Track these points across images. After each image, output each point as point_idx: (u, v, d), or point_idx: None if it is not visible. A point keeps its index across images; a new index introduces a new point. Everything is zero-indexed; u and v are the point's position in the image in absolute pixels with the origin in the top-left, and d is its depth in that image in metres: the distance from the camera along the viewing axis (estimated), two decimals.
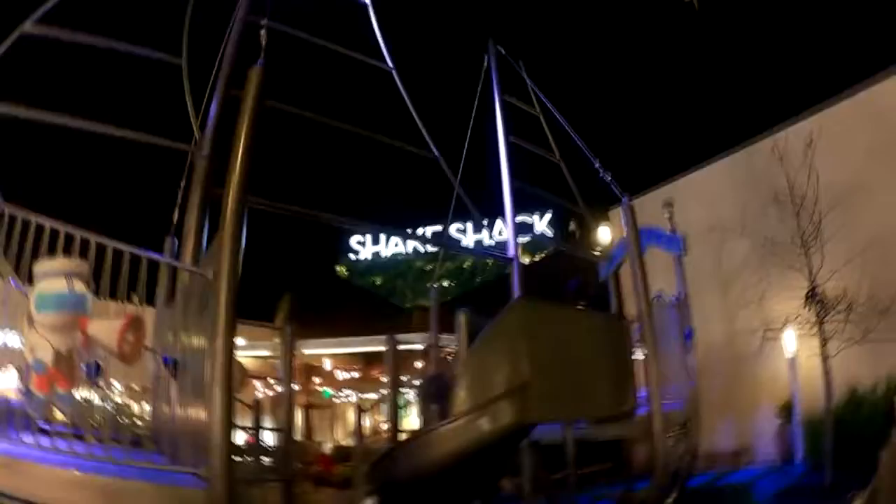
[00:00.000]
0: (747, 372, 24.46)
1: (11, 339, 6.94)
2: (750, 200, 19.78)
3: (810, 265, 18.14)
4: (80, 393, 7.00)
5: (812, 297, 18.05)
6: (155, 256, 7.71)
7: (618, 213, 16.95)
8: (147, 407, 9.06)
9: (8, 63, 10.75)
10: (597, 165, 16.34)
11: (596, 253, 20.86)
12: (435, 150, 16.99)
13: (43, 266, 6.59)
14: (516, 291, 17.03)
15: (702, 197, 24.42)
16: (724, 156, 27.16)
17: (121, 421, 7.74)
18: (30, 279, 6.63)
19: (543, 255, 47.46)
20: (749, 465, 24.25)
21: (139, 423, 9.03)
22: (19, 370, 6.68)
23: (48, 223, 6.84)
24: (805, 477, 19.53)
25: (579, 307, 14.76)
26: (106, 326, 6.67)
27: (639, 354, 13.34)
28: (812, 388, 19.41)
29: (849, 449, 17.57)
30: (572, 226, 44.79)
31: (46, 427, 6.90)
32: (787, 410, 22.72)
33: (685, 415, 15.48)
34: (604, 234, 23.39)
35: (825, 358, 17.55)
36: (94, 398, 7.59)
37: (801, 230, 18.31)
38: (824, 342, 17.73)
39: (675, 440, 15.85)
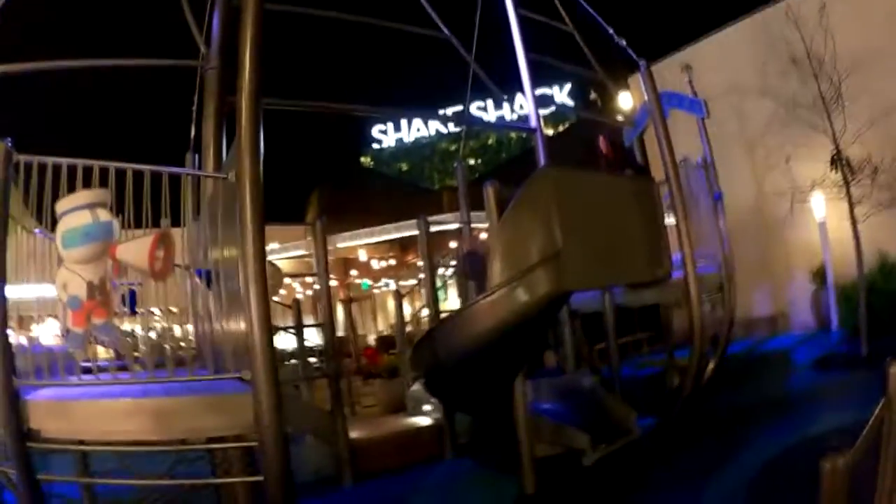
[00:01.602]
0: (778, 236, 24.46)
1: (46, 290, 6.99)
2: (768, 63, 19.53)
3: (833, 127, 17.92)
4: (121, 324, 7.07)
5: (837, 159, 17.88)
6: (175, 170, 7.69)
7: (637, 80, 16.72)
8: (188, 328, 9.13)
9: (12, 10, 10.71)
10: (611, 32, 16.14)
11: (619, 119, 20.66)
12: (446, 30, 16.83)
13: (64, 203, 6.61)
14: (542, 162, 16.99)
15: (720, 61, 24.07)
16: (739, 20, 26.70)
17: (164, 346, 7.80)
18: (54, 224, 6.66)
19: (567, 125, 47.18)
20: (786, 332, 24.35)
21: (182, 344, 9.10)
22: (57, 316, 6.76)
23: (64, 161, 6.82)
24: (841, 344, 19.61)
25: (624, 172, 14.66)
26: (134, 247, 6.70)
27: (670, 219, 13.31)
28: (844, 253, 19.40)
29: (882, 316, 17.63)
30: (593, 95, 44.30)
31: (89, 365, 6.99)
32: (820, 276, 22.75)
33: (720, 278, 15.50)
34: (625, 101, 23.14)
35: (854, 223, 17.45)
36: (136, 328, 7.69)
37: (821, 92, 18.04)
38: (852, 205, 17.61)
39: (713, 305, 15.91)
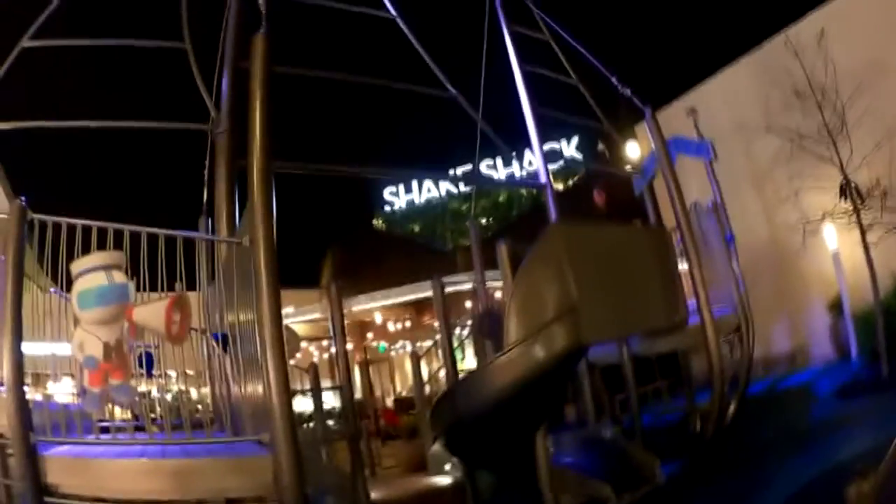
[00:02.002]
0: (793, 270, 24.37)
1: (62, 349, 7.02)
2: (772, 97, 19.59)
3: (840, 156, 17.95)
4: (138, 386, 7.09)
5: (846, 187, 17.90)
6: (189, 234, 7.75)
7: (644, 128, 16.79)
8: (205, 391, 9.15)
9: (16, 76, 10.85)
10: (614, 81, 16.25)
11: (628, 169, 20.73)
12: (451, 89, 16.94)
13: (79, 264, 6.65)
14: (553, 218, 17.03)
15: (724, 100, 24.22)
16: (740, 58, 26.90)
17: (181, 408, 7.81)
18: (69, 283, 6.69)
19: (576, 178, 47.33)
20: (807, 366, 24.20)
21: (199, 407, 9.12)
22: (73, 375, 6.77)
23: (79, 223, 6.87)
24: (862, 371, 19.46)
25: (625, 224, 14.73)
26: (151, 309, 6.73)
27: (683, 264, 13.31)
28: (859, 280, 19.30)
29: None
30: (600, 146, 44.51)
31: (107, 424, 6.99)
32: (837, 306, 22.63)
33: (737, 319, 15.45)
34: (633, 150, 23.24)
35: (867, 248, 17.42)
36: (153, 390, 7.71)
37: (826, 121, 18.10)
38: (864, 233, 17.59)
39: (731, 347, 15.83)
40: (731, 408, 14.42)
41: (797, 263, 23.51)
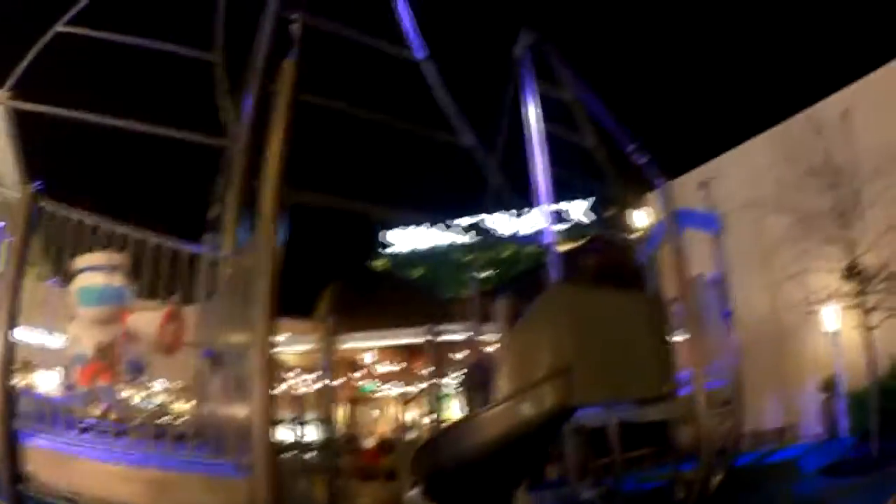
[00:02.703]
0: (790, 348, 24.41)
1: (53, 340, 6.99)
2: (787, 175, 19.63)
3: (849, 238, 17.98)
4: (123, 391, 7.05)
5: (852, 270, 17.90)
6: (195, 249, 7.75)
7: (655, 197, 16.84)
8: (189, 405, 9.12)
9: (45, 62, 10.89)
10: (632, 150, 16.30)
11: (634, 237, 20.74)
12: (471, 140, 16.99)
13: (84, 261, 6.64)
14: (555, 278, 17.03)
15: (739, 174, 24.31)
16: (760, 133, 27.04)
17: (163, 419, 7.78)
18: (68, 276, 6.68)
19: (582, 241, 47.39)
20: (795, 442, 24.13)
21: (181, 420, 9.09)
22: (63, 367, 6.74)
23: (89, 219, 6.86)
24: (852, 450, 19.39)
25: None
26: (146, 318, 6.73)
27: (679, 335, 13.29)
28: (855, 361, 19.29)
29: (894, 421, 17.48)
30: (609, 211, 44.64)
31: (91, 423, 6.96)
32: (830, 385, 22.62)
33: (729, 393, 15.42)
34: (641, 218, 23.28)
35: (868, 329, 17.40)
36: (137, 398, 7.67)
37: (839, 202, 18.14)
38: (866, 314, 17.57)
39: (720, 419, 15.79)
40: (717, 478, 14.35)
41: (794, 341, 23.58)
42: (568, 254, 39.65)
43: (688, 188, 20.45)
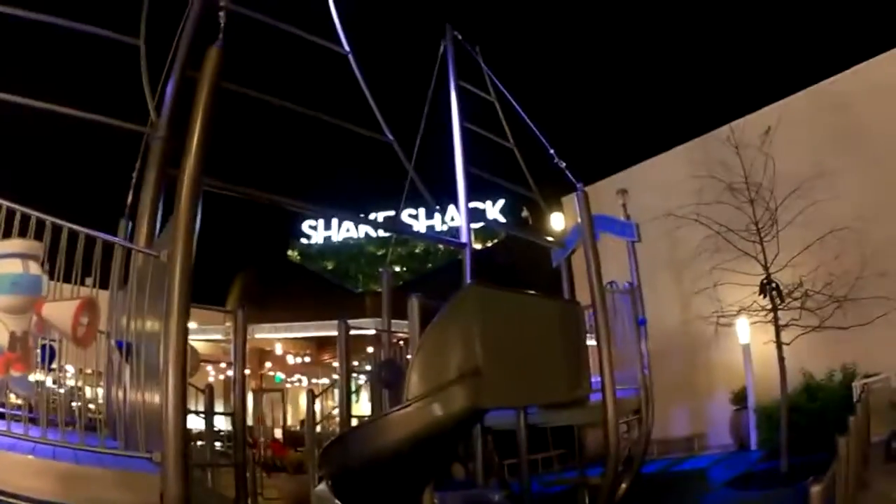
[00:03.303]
0: (702, 359, 24.83)
1: None
2: (705, 188, 19.88)
3: (765, 253, 18.28)
4: (35, 376, 6.90)
5: (767, 285, 18.19)
6: (110, 238, 7.62)
7: (571, 201, 17.01)
8: (100, 391, 8.96)
9: None
10: (551, 152, 16.38)
11: (549, 240, 20.88)
12: (389, 134, 16.95)
13: None
14: (469, 277, 17.07)
15: (656, 185, 24.59)
16: (679, 145, 27.43)
17: (74, 405, 7.64)
18: None
19: (496, 241, 47.63)
20: (704, 452, 24.51)
21: (92, 407, 8.92)
22: None
23: (4, 204, 6.71)
24: (760, 463, 19.75)
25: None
26: (60, 308, 6.58)
27: (592, 341, 13.39)
28: (768, 375, 19.61)
29: (803, 436, 17.81)
30: (525, 213, 44.96)
31: (2, 411, 6.82)
32: (741, 397, 23.02)
33: (639, 401, 15.58)
34: (557, 222, 23.48)
35: (779, 346, 17.70)
36: (48, 382, 7.52)
37: (756, 218, 18.43)
38: (779, 330, 17.88)
39: (629, 426, 15.95)
40: (623, 486, 14.51)
41: (706, 353, 23.94)
42: (482, 253, 39.92)
43: (605, 194, 20.66)
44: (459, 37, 19.34)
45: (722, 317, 20.07)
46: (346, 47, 16.57)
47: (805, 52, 32.47)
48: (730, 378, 23.90)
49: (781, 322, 18.03)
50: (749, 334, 21.98)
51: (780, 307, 18.15)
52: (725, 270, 19.47)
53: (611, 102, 45.29)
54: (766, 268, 18.28)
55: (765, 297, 18.36)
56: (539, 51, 50.48)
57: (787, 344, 17.81)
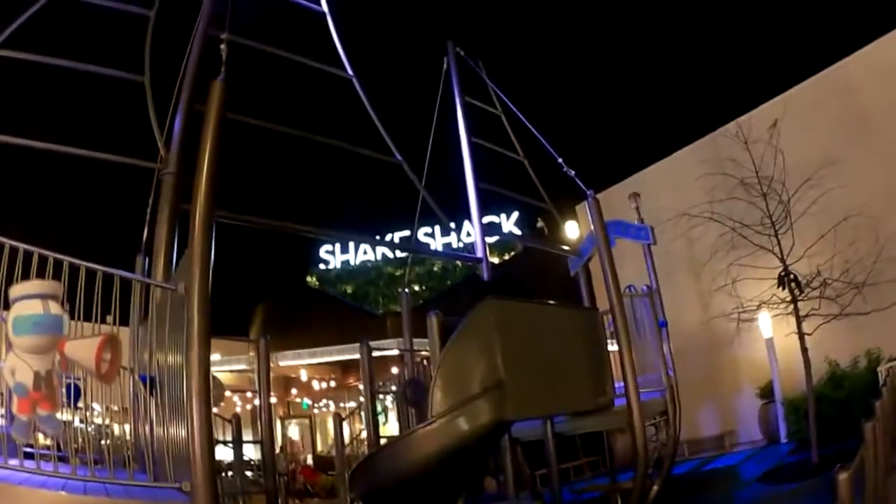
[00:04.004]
0: (726, 356, 24.70)
1: None
2: (717, 186, 19.82)
3: (781, 246, 18.22)
4: (62, 416, 6.97)
5: (785, 277, 18.12)
6: (127, 275, 7.70)
7: (585, 208, 16.99)
8: (127, 427, 9.03)
9: None
10: (560, 161, 16.42)
11: (565, 248, 20.90)
12: (398, 155, 17.04)
13: (18, 289, 6.56)
14: (486, 291, 17.09)
15: (668, 185, 24.56)
16: (687, 145, 27.38)
17: (103, 443, 7.71)
18: (6, 304, 6.59)
19: (512, 254, 47.60)
20: (734, 449, 24.38)
21: (120, 443, 9.00)
22: (1, 395, 6.66)
23: (21, 246, 6.80)
24: (790, 456, 19.61)
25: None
26: (83, 346, 6.65)
27: (613, 346, 13.40)
28: (792, 367, 19.49)
29: (832, 425, 17.71)
30: (540, 223, 44.92)
31: (31, 451, 6.88)
32: (768, 391, 22.90)
33: (665, 403, 15.54)
34: (572, 230, 23.49)
35: (802, 336, 17.62)
36: (76, 421, 7.59)
37: (769, 212, 18.37)
38: (800, 321, 17.81)
39: (657, 429, 15.90)
40: (655, 488, 14.48)
41: (730, 350, 23.76)
42: (499, 266, 39.90)
43: (617, 199, 20.68)
44: (462, 52, 19.44)
45: (743, 312, 19.99)
46: (350, 71, 16.69)
47: (806, 40, 32.42)
48: (755, 373, 23.76)
49: (802, 313, 17.92)
50: (771, 328, 21.88)
51: (799, 298, 18.05)
52: (743, 266, 19.41)
53: (616, 107, 45.26)
54: (783, 260, 18.19)
55: (784, 289, 18.26)
56: (540, 61, 50.48)
57: (810, 334, 17.72)
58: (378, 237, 44.61)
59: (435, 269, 54.90)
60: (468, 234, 44.06)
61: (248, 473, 17.30)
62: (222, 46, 9.02)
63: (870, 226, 19.63)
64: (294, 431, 36.72)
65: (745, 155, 19.12)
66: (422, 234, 48.76)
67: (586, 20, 47.50)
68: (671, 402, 15.30)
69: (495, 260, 42.36)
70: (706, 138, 25.80)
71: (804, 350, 17.61)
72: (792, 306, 18.00)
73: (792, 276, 18.08)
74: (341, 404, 33.63)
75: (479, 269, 18.24)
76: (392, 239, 46.80)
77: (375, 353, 15.81)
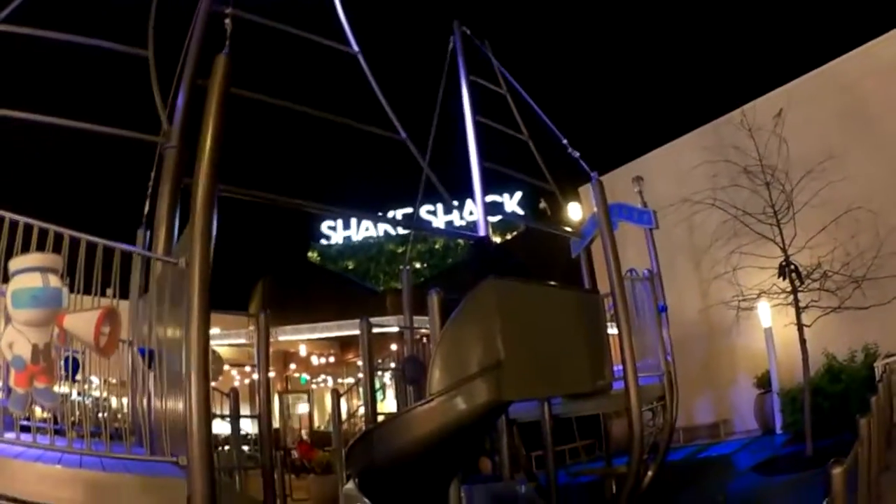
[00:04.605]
0: (724, 344, 24.70)
1: None
2: (720, 173, 19.81)
3: (783, 236, 18.20)
4: (60, 389, 6.98)
5: (786, 267, 18.12)
6: (128, 248, 7.70)
7: (588, 191, 16.92)
8: (125, 401, 9.05)
9: None
10: (564, 142, 16.38)
11: (567, 230, 20.87)
12: (402, 132, 16.98)
13: (17, 262, 6.55)
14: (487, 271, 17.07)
15: (672, 171, 24.49)
16: (691, 131, 27.32)
17: (100, 416, 7.72)
18: (5, 277, 6.59)
19: (514, 233, 47.58)
20: (729, 438, 24.43)
21: (118, 416, 9.02)
22: None
23: (21, 219, 6.79)
24: (785, 447, 19.66)
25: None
26: (82, 320, 6.65)
27: (613, 330, 13.39)
28: (790, 358, 19.56)
29: (828, 418, 17.74)
30: (542, 204, 44.90)
31: (27, 424, 6.89)
32: (765, 381, 22.93)
33: (662, 389, 15.55)
34: (574, 212, 23.47)
35: (800, 328, 17.64)
36: (73, 394, 7.60)
37: (772, 201, 18.35)
38: (799, 312, 17.81)
39: (654, 414, 15.92)
40: (649, 473, 14.51)
41: (728, 338, 23.76)
42: (500, 246, 39.89)
43: (621, 182, 20.66)
44: (468, 32, 19.40)
45: (743, 300, 20.01)
46: (356, 47, 16.63)
47: (812, 33, 32.32)
48: (753, 362, 23.77)
49: (801, 304, 17.95)
50: (770, 317, 21.89)
51: (799, 289, 18.06)
52: (744, 254, 19.43)
53: (622, 91, 45.24)
54: (784, 250, 18.19)
55: (784, 279, 18.26)
56: (547, 42, 50.58)
57: (808, 326, 17.75)
58: (380, 214, 44.57)
59: (437, 246, 54.89)
60: (471, 213, 44.20)
61: (245, 448, 17.35)
62: (226, 21, 8.99)
63: (871, 219, 19.58)
64: (304, 408, 36.88)
65: (748, 143, 19.11)
66: (424, 211, 48.73)
67: (594, 4, 47.34)
68: (669, 388, 15.32)
69: (497, 239, 42.42)
70: (710, 125, 25.73)
71: (802, 341, 17.63)
72: (792, 297, 18.02)
73: (793, 267, 18.07)
74: (339, 380, 33.71)
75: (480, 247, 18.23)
76: (394, 216, 46.74)
77: (375, 330, 15.81)
